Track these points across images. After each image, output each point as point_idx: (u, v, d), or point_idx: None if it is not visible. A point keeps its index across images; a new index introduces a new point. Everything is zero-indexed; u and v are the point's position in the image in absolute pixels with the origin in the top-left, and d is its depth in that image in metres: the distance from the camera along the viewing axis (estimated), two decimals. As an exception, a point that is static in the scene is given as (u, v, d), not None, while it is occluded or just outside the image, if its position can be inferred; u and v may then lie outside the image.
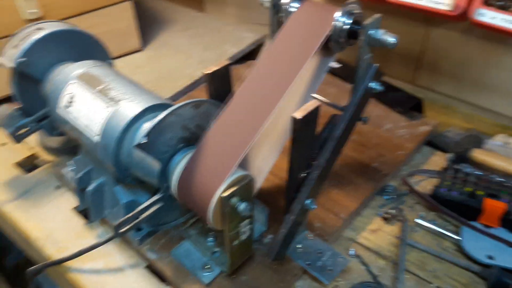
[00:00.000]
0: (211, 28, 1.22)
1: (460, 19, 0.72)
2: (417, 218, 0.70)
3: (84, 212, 0.73)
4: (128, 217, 0.55)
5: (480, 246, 0.65)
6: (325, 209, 0.70)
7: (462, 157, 0.78)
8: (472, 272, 0.63)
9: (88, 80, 0.64)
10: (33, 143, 0.87)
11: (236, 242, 0.56)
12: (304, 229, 0.66)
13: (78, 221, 0.72)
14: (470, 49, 0.87)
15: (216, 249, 0.62)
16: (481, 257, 0.64)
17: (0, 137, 0.88)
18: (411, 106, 0.89)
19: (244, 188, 0.52)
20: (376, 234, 0.70)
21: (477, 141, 0.81)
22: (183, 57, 1.10)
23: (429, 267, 0.65)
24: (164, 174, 0.56)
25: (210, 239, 0.63)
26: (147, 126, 0.57)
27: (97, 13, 1.02)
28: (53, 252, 0.67)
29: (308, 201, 0.57)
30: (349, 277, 0.63)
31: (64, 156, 0.84)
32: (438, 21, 0.89)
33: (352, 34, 0.54)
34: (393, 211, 0.72)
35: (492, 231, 0.66)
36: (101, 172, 0.66)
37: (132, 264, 0.65)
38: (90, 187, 0.65)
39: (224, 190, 0.50)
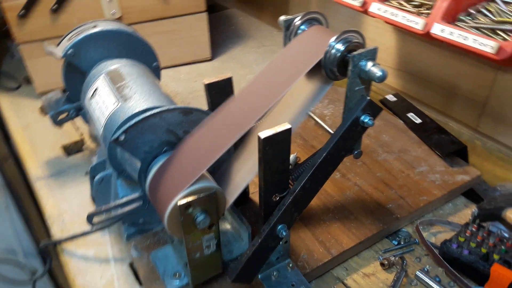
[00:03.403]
0: (287, 47, 1.23)
1: (510, 64, 0.63)
2: (418, 271, 0.63)
3: (98, 199, 0.78)
4: (102, 209, 0.58)
5: (481, 318, 0.56)
6: (318, 242, 0.66)
7: (493, 215, 0.68)
8: None
9: (113, 77, 0.69)
10: (84, 130, 0.96)
11: (197, 255, 0.55)
12: (287, 257, 0.63)
13: (90, 208, 0.77)
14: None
15: (191, 258, 0.62)
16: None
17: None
18: (454, 152, 0.80)
19: (205, 199, 0.51)
20: (368, 278, 0.64)
21: (520, 200, 0.70)
22: (245, 72, 1.13)
23: (417, 328, 0.58)
24: (145, 173, 0.58)
25: (188, 247, 0.63)
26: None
27: (174, 20, 1.10)
28: (57, 231, 0.72)
29: (279, 226, 0.55)
30: (323, 318, 0.59)
31: (103, 146, 0.91)
32: (507, 66, 0.79)
33: (343, 62, 0.51)
34: (394, 258, 0.65)
35: (496, 303, 0.56)
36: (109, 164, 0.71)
37: (119, 258, 0.68)
38: (97, 177, 0.70)
39: (181, 198, 0.50)
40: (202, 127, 0.55)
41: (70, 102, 0.82)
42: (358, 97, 0.52)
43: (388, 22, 0.79)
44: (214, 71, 1.15)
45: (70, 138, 0.95)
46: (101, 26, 0.78)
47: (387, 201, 0.72)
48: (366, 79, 0.50)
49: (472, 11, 0.70)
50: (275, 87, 0.53)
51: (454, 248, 0.62)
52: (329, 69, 0.52)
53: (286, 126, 0.49)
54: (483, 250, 0.61)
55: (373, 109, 0.52)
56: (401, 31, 0.98)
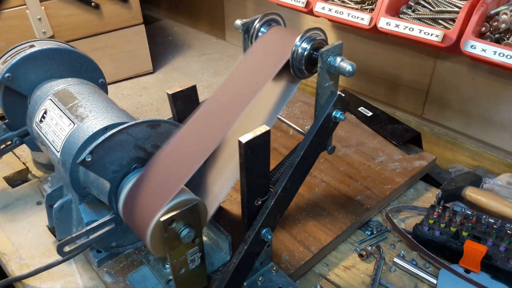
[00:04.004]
0: (225, 55, 1.24)
1: (455, 52, 0.67)
2: (396, 257, 0.65)
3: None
4: (73, 237, 0.54)
5: (457, 293, 0.59)
6: (297, 241, 0.66)
7: (455, 195, 0.72)
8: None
9: (62, 97, 0.65)
10: (27, 158, 0.89)
11: (183, 271, 0.53)
12: (270, 261, 0.62)
13: (48, 239, 0.72)
14: (478, 84, 0.82)
15: (171, 277, 0.59)
16: (458, 304, 0.58)
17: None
18: (409, 139, 0.84)
19: (188, 212, 0.49)
20: (349, 271, 0.65)
21: (475, 179, 0.75)
22: (191, 81, 1.11)
23: (401, 311, 0.59)
24: (115, 194, 0.55)
25: (168, 265, 0.61)
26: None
27: (110, 35, 1.06)
28: (16, 268, 0.66)
29: (263, 231, 0.54)
30: (312, 316, 0.59)
31: (53, 172, 0.85)
32: (445, 54, 0.85)
33: (311, 61, 0.52)
34: (371, 248, 0.67)
35: (472, 276, 0.59)
36: (69, 189, 0.66)
37: (91, 287, 0.64)
38: (56, 204, 0.65)
39: (164, 214, 0.48)
40: (174, 140, 0.53)
41: (12, 130, 0.75)
42: (328, 93, 0.53)
43: (333, 20, 0.81)
44: (158, 84, 1.12)
45: (12, 168, 0.87)
46: (39, 45, 0.72)
47: (355, 194, 0.74)
48: (336, 74, 0.51)
49: (412, 3, 0.74)
50: (245, 92, 0.52)
51: (426, 231, 0.65)
52: (297, 68, 0.52)
53: (265, 128, 0.49)
54: (452, 229, 0.64)
55: (343, 104, 0.54)
56: (341, 28, 1.01)
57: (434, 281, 0.61)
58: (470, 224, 0.65)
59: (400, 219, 0.73)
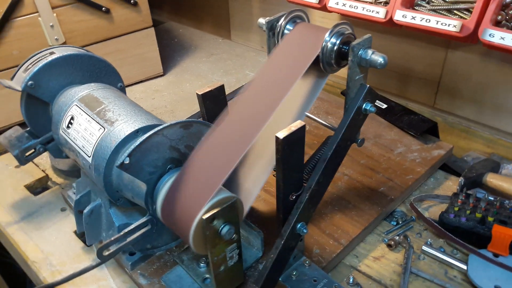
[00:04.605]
0: (234, 54, 1.24)
1: (471, 41, 0.69)
2: (424, 245, 0.66)
3: (83, 236, 0.73)
4: (112, 240, 0.55)
5: (488, 276, 0.60)
6: (326, 235, 0.67)
7: (476, 182, 0.73)
8: (479, 304, 0.59)
9: (88, 102, 0.65)
10: (46, 165, 0.89)
11: (222, 268, 0.54)
12: (302, 255, 0.63)
13: (76, 245, 0.72)
14: (490, 72, 0.83)
15: (207, 276, 0.60)
16: (488, 287, 0.59)
17: (14, 159, 0.90)
18: (426, 130, 0.85)
19: (227, 210, 0.50)
20: (379, 261, 0.66)
21: (494, 165, 0.76)
22: (202, 82, 1.12)
23: (434, 298, 0.60)
24: (152, 195, 0.55)
25: (202, 264, 0.61)
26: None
27: (120, 39, 1.06)
28: (47, 275, 0.67)
29: (298, 225, 0.55)
30: (347, 307, 0.60)
31: (73, 179, 0.85)
32: (456, 44, 0.86)
33: (341, 55, 0.53)
34: (398, 238, 0.68)
35: (500, 259, 0.61)
36: (98, 194, 0.66)
37: (124, 290, 0.64)
38: (86, 210, 0.65)
39: (206, 212, 0.48)
40: (208, 139, 0.53)
41: (35, 137, 0.76)
42: (358, 86, 0.53)
43: (347, 15, 0.82)
44: (170, 86, 1.12)
45: (32, 176, 0.88)
46: (59, 52, 0.73)
47: (378, 185, 0.75)
48: (367, 67, 0.51)
49: (425, -4, 0.75)
50: (276, 89, 0.53)
51: (452, 218, 0.66)
52: (326, 63, 0.53)
53: (300, 124, 0.50)
54: (478, 215, 0.65)
55: (372, 96, 0.55)
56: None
57: (464, 266, 0.62)
58: (494, 209, 0.66)
59: (423, 208, 0.74)
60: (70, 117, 0.65)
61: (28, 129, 0.76)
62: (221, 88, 0.59)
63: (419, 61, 0.94)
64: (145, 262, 0.65)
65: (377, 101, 0.93)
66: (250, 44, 1.29)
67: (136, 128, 0.58)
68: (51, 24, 0.92)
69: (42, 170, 0.89)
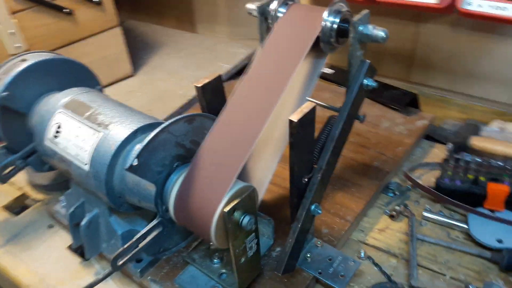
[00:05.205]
0: (203, 48, 1.22)
1: (447, 11, 0.71)
2: (424, 212, 0.68)
3: (79, 250, 0.70)
4: (125, 248, 0.52)
5: (488, 231, 0.63)
6: (331, 214, 0.68)
7: (461, 147, 0.77)
8: (484, 258, 0.62)
9: (75, 108, 0.62)
10: (22, 182, 0.84)
11: (243, 260, 0.53)
12: (312, 237, 0.63)
13: (73, 260, 0.68)
14: (461, 41, 0.87)
15: (223, 270, 0.59)
16: (491, 241, 0.62)
17: (-14, 180, 0.84)
18: (407, 102, 0.88)
19: (246, 200, 0.49)
20: (384, 233, 0.67)
21: (475, 129, 0.80)
22: (176, 79, 1.09)
23: (440, 259, 0.63)
24: (161, 196, 0.53)
25: (216, 260, 0.60)
26: (139, 147, 0.55)
27: (86, 42, 1.01)
28: (47, 297, 0.63)
29: (313, 206, 0.55)
30: (362, 280, 0.61)
31: (56, 193, 0.81)
32: (427, 17, 0.89)
33: (341, 32, 0.53)
34: (399, 208, 0.70)
35: (498, 214, 0.64)
36: (94, 203, 0.63)
37: (136, 298, 0.62)
38: (84, 221, 0.62)
39: (226, 205, 0.47)
40: (215, 131, 0.52)
41: (12, 152, 0.71)
42: (358, 63, 0.54)
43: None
44: (143, 86, 1.08)
45: (9, 195, 0.82)
46: (32, 59, 0.69)
47: (371, 160, 0.76)
48: (367, 42, 0.52)
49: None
50: (279, 74, 0.52)
51: (448, 182, 0.69)
52: (326, 42, 0.53)
53: (311, 105, 0.49)
54: (470, 177, 0.68)
55: (372, 71, 0.55)
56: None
57: (465, 226, 0.65)
58: (484, 169, 0.69)
59: (415, 177, 0.76)
60: (56, 125, 0.61)
61: (4, 144, 0.71)
62: (219, 78, 0.58)
63: (391, 38, 0.95)
64: (154, 267, 0.62)
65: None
66: (217, 36, 1.27)
67: (134, 128, 0.56)
68: (10, 31, 0.86)
69: (19, 188, 0.84)
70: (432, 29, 0.90)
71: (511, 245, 0.60)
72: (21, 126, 0.70)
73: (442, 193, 0.69)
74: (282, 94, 0.50)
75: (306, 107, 0.49)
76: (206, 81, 0.56)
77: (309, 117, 0.49)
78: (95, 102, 0.62)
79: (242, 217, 0.49)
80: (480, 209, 0.66)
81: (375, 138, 0.81)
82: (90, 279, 0.64)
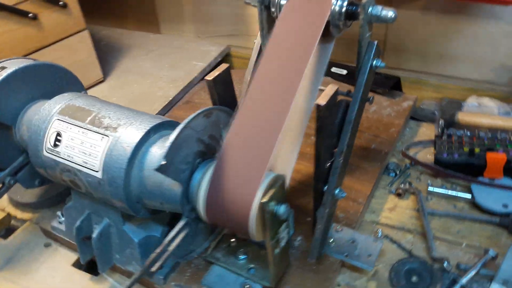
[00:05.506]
0: (172, 48, 1.19)
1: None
2: (429, 187, 0.71)
3: (86, 266, 0.66)
4: (157, 253, 0.50)
5: (493, 198, 0.67)
6: (344, 199, 0.67)
7: (449, 123, 0.80)
8: (493, 224, 0.65)
9: (73, 113, 0.58)
10: (3, 203, 0.78)
11: (277, 251, 0.52)
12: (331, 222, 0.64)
13: (82, 277, 0.64)
14: (431, 24, 0.91)
15: (251, 265, 0.58)
16: (497, 207, 0.65)
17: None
18: (391, 86, 0.91)
19: (279, 189, 0.49)
20: (394, 211, 0.69)
21: (458, 106, 0.85)
22: (151, 80, 1.05)
23: (453, 229, 0.65)
24: (186, 195, 0.51)
25: (242, 256, 0.59)
26: (156, 148, 0.52)
27: (54, 48, 0.95)
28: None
29: (336, 191, 0.55)
30: (384, 258, 0.62)
31: (43, 210, 0.75)
32: (398, 2, 0.92)
33: (350, 15, 0.53)
34: (404, 186, 0.72)
35: (498, 182, 0.68)
36: (103, 213, 0.60)
37: (160, 308, 0.59)
38: (95, 233, 0.58)
39: (263, 195, 0.46)
40: (238, 123, 0.51)
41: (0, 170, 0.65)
42: (367, 44, 0.55)
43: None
44: (117, 90, 1.03)
45: (-11, 219, 0.76)
46: (12, 66, 0.64)
47: (368, 143, 0.78)
48: (376, 23, 0.53)
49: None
50: (296, 60, 0.52)
51: (446, 157, 0.72)
52: (335, 26, 0.54)
53: (333, 87, 0.50)
54: (466, 149, 0.72)
55: (379, 52, 0.56)
56: None
57: (468, 196, 0.68)
58: (477, 141, 0.73)
59: (411, 155, 0.79)
60: (55, 134, 0.57)
61: (-11, 161, 0.65)
62: (228, 70, 0.56)
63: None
64: (175, 272, 0.60)
65: (336, 68, 0.97)
66: (184, 35, 1.24)
67: (147, 129, 0.53)
68: (-28, 40, 0.79)
69: (1, 209, 0.77)
70: (403, 14, 0.93)
71: (516, 207, 0.64)
72: (5, 140, 0.65)
73: (442, 167, 0.72)
74: (301, 80, 0.50)
75: (330, 90, 0.49)
76: (216, 73, 0.55)
77: (334, 100, 0.49)
78: (94, 105, 0.59)
79: (277, 207, 0.48)
80: (481, 179, 0.69)
81: (367, 122, 0.83)
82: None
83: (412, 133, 0.85)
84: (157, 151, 0.52)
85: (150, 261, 0.49)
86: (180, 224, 0.52)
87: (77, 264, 0.67)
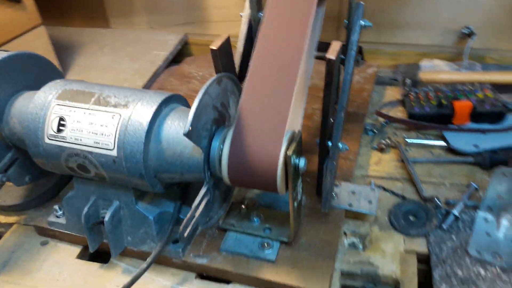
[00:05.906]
0: (128, 40, 1.16)
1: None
2: (407, 139, 0.77)
3: (93, 255, 0.64)
4: (188, 218, 0.51)
5: (464, 141, 0.75)
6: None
7: (413, 82, 0.88)
8: (467, 163, 0.73)
9: (73, 97, 0.56)
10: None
11: (296, 204, 0.55)
12: (329, 179, 0.68)
13: (91, 267, 0.63)
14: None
15: (266, 225, 0.60)
16: (470, 148, 0.73)
17: None
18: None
19: (299, 144, 0.52)
20: (380, 164, 0.75)
21: (416, 67, 0.93)
22: (113, 73, 1.03)
23: (435, 173, 0.72)
24: (207, 161, 0.53)
25: (256, 219, 0.61)
26: (171, 120, 0.53)
27: (10, 45, 0.90)
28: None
29: (340, 144, 0.59)
30: (381, 205, 0.67)
31: (31, 211, 0.72)
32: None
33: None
34: (384, 141, 0.78)
35: (466, 127, 0.76)
36: (112, 196, 0.59)
37: (180, 281, 0.60)
38: (107, 217, 0.58)
39: (287, 149, 0.49)
40: (251, 85, 0.53)
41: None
42: (356, 5, 0.59)
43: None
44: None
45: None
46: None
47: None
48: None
49: None
50: (298, 19, 0.55)
51: (418, 111, 0.79)
52: (326, -9, 0.58)
53: (339, 43, 0.53)
54: (433, 102, 0.80)
55: (364, 13, 0.61)
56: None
57: (442, 143, 0.76)
58: (441, 94, 0.81)
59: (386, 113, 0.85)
60: (57, 119, 0.55)
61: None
62: (228, 40, 0.58)
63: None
64: (191, 244, 0.61)
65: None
66: (136, 27, 1.22)
67: (159, 102, 0.54)
68: None
69: (-17, 214, 0.73)
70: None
71: (485, 147, 0.72)
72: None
73: (416, 120, 0.79)
74: (307, 40, 0.53)
75: (336, 45, 0.53)
76: (220, 42, 0.57)
77: (339, 56, 0.53)
78: (94, 87, 0.58)
79: (298, 160, 0.51)
80: (451, 126, 0.77)
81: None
82: (119, 278, 0.60)
83: (380, 96, 0.91)
84: (174, 123, 0.53)
85: (183, 226, 0.50)
86: (203, 191, 0.53)
87: (82, 256, 0.65)
